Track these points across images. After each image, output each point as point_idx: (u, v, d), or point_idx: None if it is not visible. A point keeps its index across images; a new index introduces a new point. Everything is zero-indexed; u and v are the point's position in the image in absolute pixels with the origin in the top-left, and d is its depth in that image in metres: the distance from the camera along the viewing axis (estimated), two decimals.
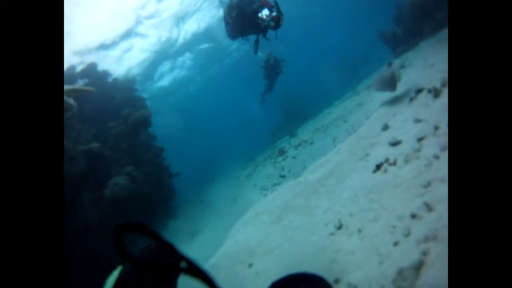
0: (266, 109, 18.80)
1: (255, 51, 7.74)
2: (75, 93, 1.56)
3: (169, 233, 9.74)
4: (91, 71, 11.71)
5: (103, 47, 15.78)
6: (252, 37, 7.71)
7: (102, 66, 13.07)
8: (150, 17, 16.43)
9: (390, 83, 5.41)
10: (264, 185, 8.29)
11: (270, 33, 7.15)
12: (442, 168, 2.89)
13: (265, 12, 6.46)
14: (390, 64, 5.34)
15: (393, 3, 12.54)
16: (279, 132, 16.04)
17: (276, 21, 6.40)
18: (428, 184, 2.76)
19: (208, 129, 38.80)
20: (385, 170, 3.38)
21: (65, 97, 1.48)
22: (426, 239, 2.23)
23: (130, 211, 9.03)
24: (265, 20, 6.46)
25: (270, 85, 15.34)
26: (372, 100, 7.38)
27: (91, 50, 15.23)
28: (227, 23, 7.51)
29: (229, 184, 11.04)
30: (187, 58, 23.82)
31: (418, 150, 3.38)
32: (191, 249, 8.07)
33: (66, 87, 1.52)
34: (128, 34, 16.43)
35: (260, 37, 7.48)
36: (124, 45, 16.96)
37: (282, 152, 10.22)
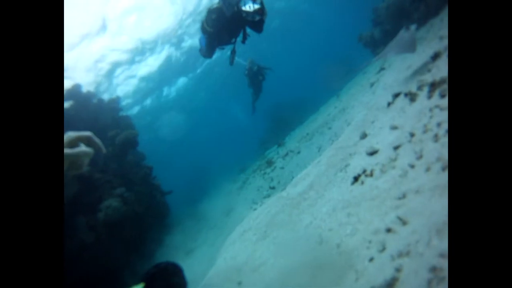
0: (254, 118, 18.89)
1: (232, 62, 7.72)
2: (81, 140, 1.43)
3: (164, 250, 9.72)
4: (75, 93, 11.66)
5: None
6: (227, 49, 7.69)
7: None
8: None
9: (410, 45, 5.30)
10: (254, 198, 8.30)
11: (250, 37, 7.12)
12: (417, 178, 2.92)
13: (249, 4, 6.37)
14: (408, 27, 5.27)
15: (370, 7, 12.75)
16: (268, 142, 16.11)
17: (260, 13, 6.33)
18: (403, 196, 2.79)
19: (197, 141, 38.42)
20: (362, 182, 3.42)
21: (82, 145, 1.41)
22: (400, 254, 2.25)
23: (125, 232, 9.09)
24: (249, 13, 6.34)
25: (256, 92, 15.26)
26: (353, 106, 7.45)
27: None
28: (204, 32, 7.35)
29: (222, 198, 11.03)
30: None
31: (394, 160, 3.42)
32: (187, 267, 8.04)
33: (73, 134, 1.41)
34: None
35: (237, 47, 7.46)
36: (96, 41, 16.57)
37: (270, 163, 10.26)
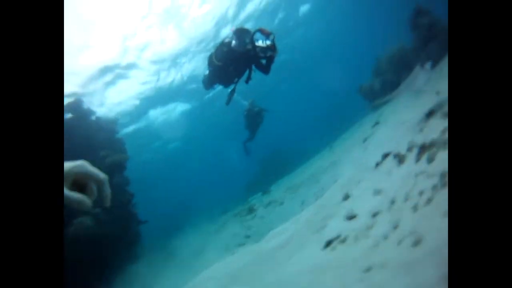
0: (245, 160, 18.66)
1: (228, 102, 7.59)
2: (92, 179, 1.19)
3: (125, 278, 9.40)
4: (76, 107, 11.69)
5: None
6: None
7: None
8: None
9: (424, 83, 5.03)
10: (228, 244, 8.08)
11: (255, 76, 7.01)
12: (386, 250, 2.77)
13: (261, 40, 6.33)
14: (424, 65, 5.10)
15: (372, 57, 12.99)
16: (254, 186, 15.87)
17: (273, 49, 6.26)
18: (368, 269, 2.63)
19: (184, 173, 37.62)
20: (334, 248, 3.27)
21: (92, 184, 1.19)
22: None
23: (92, 250, 8.90)
24: (262, 48, 6.29)
25: (252, 134, 14.93)
26: (344, 161, 7.39)
27: None
28: (210, 65, 7.26)
29: (196, 238, 10.74)
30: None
31: (370, 227, 3.28)
32: None
33: (87, 168, 1.18)
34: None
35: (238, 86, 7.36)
36: None
37: (251, 210, 10.08)
